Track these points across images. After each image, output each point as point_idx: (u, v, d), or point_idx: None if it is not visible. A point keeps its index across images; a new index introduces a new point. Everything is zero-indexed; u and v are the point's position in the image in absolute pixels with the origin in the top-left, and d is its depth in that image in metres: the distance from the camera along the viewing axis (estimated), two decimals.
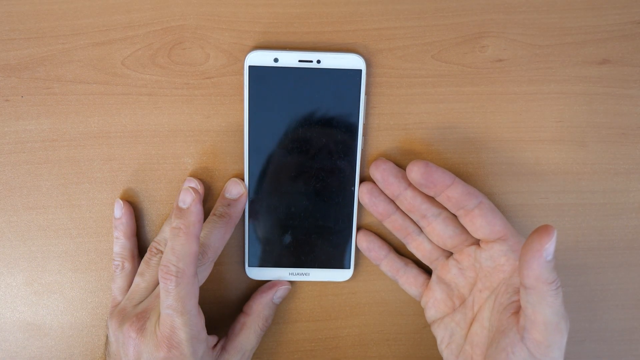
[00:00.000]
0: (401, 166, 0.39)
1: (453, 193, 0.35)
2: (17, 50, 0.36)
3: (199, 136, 0.38)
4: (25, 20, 0.36)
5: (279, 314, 0.41)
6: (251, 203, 0.38)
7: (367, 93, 0.37)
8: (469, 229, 0.36)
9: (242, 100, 0.37)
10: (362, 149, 0.37)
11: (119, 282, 0.38)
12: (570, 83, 0.38)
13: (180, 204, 0.32)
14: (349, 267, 0.39)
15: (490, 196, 0.40)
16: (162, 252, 0.37)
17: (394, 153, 0.39)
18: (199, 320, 0.33)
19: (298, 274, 0.39)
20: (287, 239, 0.38)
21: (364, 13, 0.37)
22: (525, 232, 0.40)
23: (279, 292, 0.39)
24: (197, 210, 0.32)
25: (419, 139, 0.39)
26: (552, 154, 0.39)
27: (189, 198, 0.32)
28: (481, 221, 0.35)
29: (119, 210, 0.38)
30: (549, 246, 0.29)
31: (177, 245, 0.32)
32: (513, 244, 0.35)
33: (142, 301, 0.36)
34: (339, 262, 0.39)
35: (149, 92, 0.37)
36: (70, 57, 0.37)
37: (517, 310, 0.33)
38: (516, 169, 0.39)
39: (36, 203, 0.38)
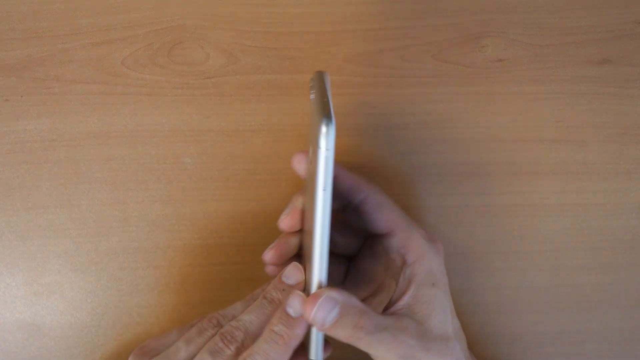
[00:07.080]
0: (400, 167, 0.39)
1: (338, 185, 0.33)
2: (16, 50, 0.36)
3: (199, 136, 0.38)
4: (25, 20, 0.36)
5: None
6: None
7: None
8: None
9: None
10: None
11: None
12: (570, 83, 0.38)
13: (285, 279, 0.31)
14: None
15: (490, 196, 0.40)
16: (221, 327, 0.32)
17: (393, 153, 0.39)
18: None
19: None
20: None
21: (364, 13, 0.37)
22: (524, 232, 0.40)
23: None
24: (306, 324, 0.30)
25: (419, 139, 0.39)
26: (552, 154, 0.39)
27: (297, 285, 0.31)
28: (365, 217, 0.33)
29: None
30: (317, 318, 0.29)
31: (273, 353, 0.30)
32: (400, 240, 0.32)
33: None
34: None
35: (149, 92, 0.37)
36: (70, 56, 0.37)
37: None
38: (516, 169, 0.39)
39: (36, 203, 0.38)
